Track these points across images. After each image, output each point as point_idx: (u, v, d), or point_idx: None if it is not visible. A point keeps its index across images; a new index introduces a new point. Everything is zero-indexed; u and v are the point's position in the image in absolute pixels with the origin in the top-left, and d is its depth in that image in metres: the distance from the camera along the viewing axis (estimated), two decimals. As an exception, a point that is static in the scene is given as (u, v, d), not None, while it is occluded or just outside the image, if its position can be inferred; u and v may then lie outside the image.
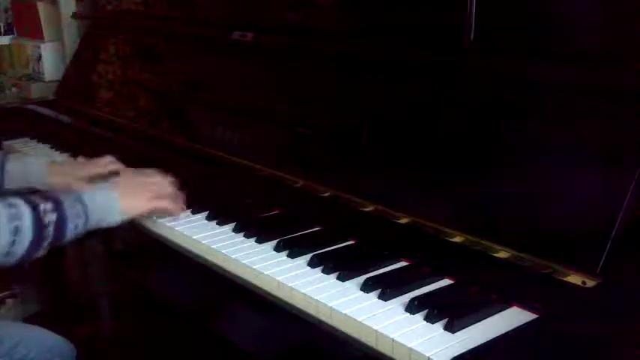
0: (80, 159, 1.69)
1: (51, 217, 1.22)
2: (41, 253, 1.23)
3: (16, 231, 1.17)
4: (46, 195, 1.27)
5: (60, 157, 1.99)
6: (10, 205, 1.19)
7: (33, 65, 2.66)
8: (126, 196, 1.35)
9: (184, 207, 1.44)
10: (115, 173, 1.58)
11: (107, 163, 1.63)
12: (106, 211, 1.32)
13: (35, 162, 1.61)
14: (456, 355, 0.91)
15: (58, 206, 1.23)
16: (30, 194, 1.27)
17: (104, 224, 1.32)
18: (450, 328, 0.98)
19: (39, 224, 1.20)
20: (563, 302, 0.99)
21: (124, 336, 2.11)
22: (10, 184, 1.55)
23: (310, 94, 1.55)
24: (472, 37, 1.25)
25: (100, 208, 1.31)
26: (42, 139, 2.14)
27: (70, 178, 1.56)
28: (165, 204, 1.40)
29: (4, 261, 1.19)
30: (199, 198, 1.49)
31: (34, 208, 1.20)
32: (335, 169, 1.41)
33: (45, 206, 1.22)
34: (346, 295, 1.10)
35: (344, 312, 1.04)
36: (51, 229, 1.22)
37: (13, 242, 1.17)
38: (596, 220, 1.01)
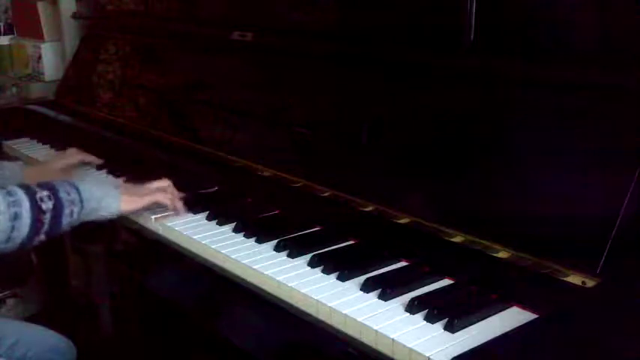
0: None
1: (48, 204, 1.25)
2: (39, 239, 1.26)
3: (15, 217, 1.20)
4: (41, 183, 1.30)
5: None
6: (9, 193, 1.22)
7: (33, 65, 2.66)
8: (123, 190, 1.39)
9: (182, 206, 1.45)
10: (86, 163, 1.67)
11: (74, 152, 1.71)
12: (102, 201, 1.34)
13: (10, 166, 1.64)
14: (456, 355, 0.91)
15: (54, 193, 1.27)
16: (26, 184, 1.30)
17: (101, 214, 1.35)
18: (450, 328, 0.98)
19: (37, 210, 1.23)
20: (563, 302, 0.99)
21: (124, 336, 2.10)
22: None
23: (310, 94, 1.55)
24: (472, 37, 1.25)
25: (96, 197, 1.33)
26: (42, 139, 2.14)
27: (45, 173, 1.60)
28: (162, 197, 1.42)
29: (4, 247, 1.22)
30: (199, 198, 1.49)
31: (32, 195, 1.24)
32: (335, 169, 1.41)
33: (42, 194, 1.25)
34: (346, 295, 1.10)
35: (344, 312, 1.04)
36: (48, 216, 1.25)
37: (13, 228, 1.20)
38: (596, 220, 1.01)
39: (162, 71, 2.06)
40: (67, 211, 1.27)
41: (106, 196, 1.35)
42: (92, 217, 1.34)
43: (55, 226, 1.26)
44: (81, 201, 1.30)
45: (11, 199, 1.21)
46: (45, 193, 1.26)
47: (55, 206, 1.26)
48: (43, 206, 1.24)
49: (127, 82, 2.16)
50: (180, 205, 1.44)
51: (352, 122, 1.40)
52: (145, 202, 1.40)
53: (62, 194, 1.28)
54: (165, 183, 1.46)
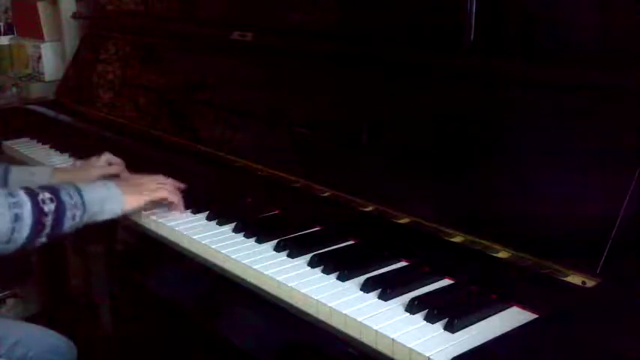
0: (78, 163, 1.69)
1: (50, 206, 1.24)
2: (41, 241, 1.26)
3: (16, 218, 1.20)
4: (43, 186, 1.30)
5: (60, 157, 2.00)
6: (10, 194, 1.21)
7: (33, 65, 2.66)
8: (125, 189, 1.38)
9: (183, 205, 1.45)
10: (116, 175, 1.60)
11: (106, 161, 1.65)
12: (105, 204, 1.34)
13: (39, 171, 1.62)
14: (456, 355, 0.91)
15: (56, 196, 1.26)
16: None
17: (103, 217, 1.34)
18: (450, 328, 0.98)
19: (38, 212, 1.22)
20: (563, 302, 0.99)
21: (124, 336, 2.10)
22: None
23: (310, 94, 1.55)
24: (472, 37, 1.25)
25: (99, 200, 1.33)
26: (42, 139, 2.14)
27: (76, 180, 1.57)
28: (164, 193, 1.42)
29: (4, 248, 1.22)
30: (199, 198, 1.50)
31: (34, 197, 1.23)
32: (335, 169, 1.40)
33: (44, 196, 1.25)
34: (346, 295, 1.10)
35: (344, 312, 1.04)
36: (50, 218, 1.24)
37: (13, 229, 1.20)
38: (596, 220, 1.01)
39: (162, 71, 2.06)
40: (69, 214, 1.27)
41: (108, 198, 1.34)
42: (95, 219, 1.34)
43: (56, 228, 1.26)
44: (83, 204, 1.29)
45: (12, 200, 1.20)
46: (47, 195, 1.25)
47: (57, 208, 1.25)
48: (45, 208, 1.24)
49: (127, 82, 2.16)
50: (179, 198, 1.45)
51: (352, 122, 1.40)
52: (147, 199, 1.40)
53: (65, 197, 1.27)
54: (163, 178, 1.46)
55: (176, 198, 1.44)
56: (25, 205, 1.21)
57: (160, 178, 1.46)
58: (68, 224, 1.28)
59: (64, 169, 1.80)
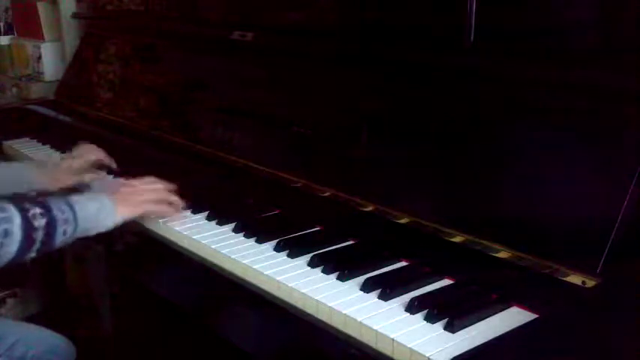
0: (62, 155, 1.71)
1: (40, 222, 1.21)
2: (30, 256, 1.23)
3: (5, 234, 1.17)
4: (36, 200, 1.27)
5: (60, 157, 1.99)
6: (1, 209, 1.18)
7: (33, 65, 2.66)
8: (118, 200, 1.35)
9: (181, 207, 1.44)
10: (100, 166, 1.63)
11: (89, 150, 1.67)
12: (98, 219, 1.31)
13: (23, 167, 1.62)
14: (456, 355, 0.91)
15: (47, 211, 1.23)
16: (19, 200, 1.26)
17: (95, 230, 1.32)
18: (450, 328, 0.98)
19: (28, 228, 1.19)
20: (563, 302, 0.99)
21: (124, 336, 2.10)
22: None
23: (310, 94, 1.55)
24: (472, 37, 1.25)
25: (91, 216, 1.30)
26: (42, 139, 2.14)
27: (56, 174, 1.59)
28: (157, 207, 1.40)
29: None
30: (199, 198, 1.49)
31: (24, 212, 1.20)
32: (335, 169, 1.40)
33: (34, 211, 1.21)
34: (346, 295, 1.10)
35: (344, 312, 1.04)
36: (40, 233, 1.21)
37: (2, 245, 1.17)
38: (596, 220, 1.01)
39: (162, 71, 2.05)
40: (60, 230, 1.24)
41: (101, 213, 1.31)
42: (87, 234, 1.31)
43: (47, 243, 1.23)
44: (75, 220, 1.26)
45: (2, 215, 1.17)
46: (38, 210, 1.22)
47: (47, 224, 1.22)
48: (35, 223, 1.20)
49: (127, 82, 2.16)
50: (175, 199, 1.43)
51: (352, 122, 1.40)
52: (140, 211, 1.38)
53: (56, 212, 1.24)
54: (154, 181, 1.44)
55: (166, 209, 1.41)
56: (14, 220, 1.18)
57: (151, 180, 1.44)
58: (59, 239, 1.25)
59: (45, 165, 1.76)
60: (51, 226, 1.22)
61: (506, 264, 1.07)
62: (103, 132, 2.06)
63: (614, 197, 1.00)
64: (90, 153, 1.68)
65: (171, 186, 1.45)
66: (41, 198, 1.30)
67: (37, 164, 1.68)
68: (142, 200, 1.39)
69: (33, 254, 1.23)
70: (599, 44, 1.12)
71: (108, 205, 1.33)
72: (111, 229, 1.34)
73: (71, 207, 1.27)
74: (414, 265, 1.19)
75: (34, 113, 2.33)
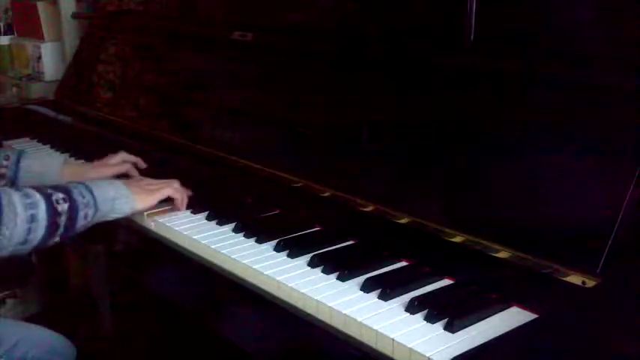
0: (96, 162, 1.69)
1: (63, 206, 1.25)
2: (54, 241, 1.26)
3: (32, 219, 1.20)
4: (55, 186, 1.30)
5: (60, 157, 1.99)
6: (26, 195, 1.22)
7: (33, 65, 2.66)
8: (133, 189, 1.39)
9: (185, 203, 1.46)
10: (125, 176, 1.62)
11: (119, 161, 1.65)
12: (115, 203, 1.34)
13: (51, 161, 1.64)
14: (456, 355, 0.91)
15: (69, 196, 1.27)
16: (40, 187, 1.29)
17: (113, 216, 1.36)
18: (450, 328, 0.98)
19: (53, 212, 1.23)
20: (563, 302, 0.99)
21: (124, 336, 2.10)
22: (23, 180, 1.57)
23: (310, 94, 1.55)
24: (472, 37, 1.25)
25: (110, 199, 1.33)
26: (42, 139, 2.14)
27: (83, 174, 1.59)
28: (169, 191, 1.43)
29: (20, 249, 1.22)
30: (199, 198, 1.50)
31: (48, 197, 1.24)
32: (335, 169, 1.40)
33: (57, 196, 1.25)
34: (346, 295, 1.10)
35: (344, 312, 1.04)
36: (64, 218, 1.25)
37: (29, 230, 1.20)
38: (597, 220, 1.01)
39: (162, 71, 2.05)
40: (81, 213, 1.28)
41: (119, 198, 1.35)
42: (106, 218, 1.35)
43: (69, 228, 1.26)
44: (95, 204, 1.30)
45: (28, 201, 1.21)
46: (60, 195, 1.25)
47: (70, 208, 1.26)
48: (59, 208, 1.24)
49: (127, 81, 2.16)
50: (184, 197, 1.46)
51: (352, 122, 1.40)
52: (156, 199, 1.42)
53: (77, 196, 1.28)
54: (173, 182, 1.47)
55: (180, 195, 1.45)
56: (40, 205, 1.22)
57: (173, 182, 1.48)
58: (81, 223, 1.28)
59: (75, 163, 1.82)
60: (73, 210, 1.26)
61: (506, 264, 1.07)
62: (103, 132, 2.06)
63: (614, 197, 1.00)
64: (122, 166, 1.66)
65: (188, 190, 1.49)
66: (59, 184, 1.33)
67: (66, 163, 1.68)
68: (157, 188, 1.43)
69: (57, 239, 1.26)
70: (600, 43, 1.12)
71: (125, 191, 1.37)
72: (127, 215, 1.38)
73: (90, 191, 1.31)
74: (414, 265, 1.19)
75: (34, 113, 2.33)
